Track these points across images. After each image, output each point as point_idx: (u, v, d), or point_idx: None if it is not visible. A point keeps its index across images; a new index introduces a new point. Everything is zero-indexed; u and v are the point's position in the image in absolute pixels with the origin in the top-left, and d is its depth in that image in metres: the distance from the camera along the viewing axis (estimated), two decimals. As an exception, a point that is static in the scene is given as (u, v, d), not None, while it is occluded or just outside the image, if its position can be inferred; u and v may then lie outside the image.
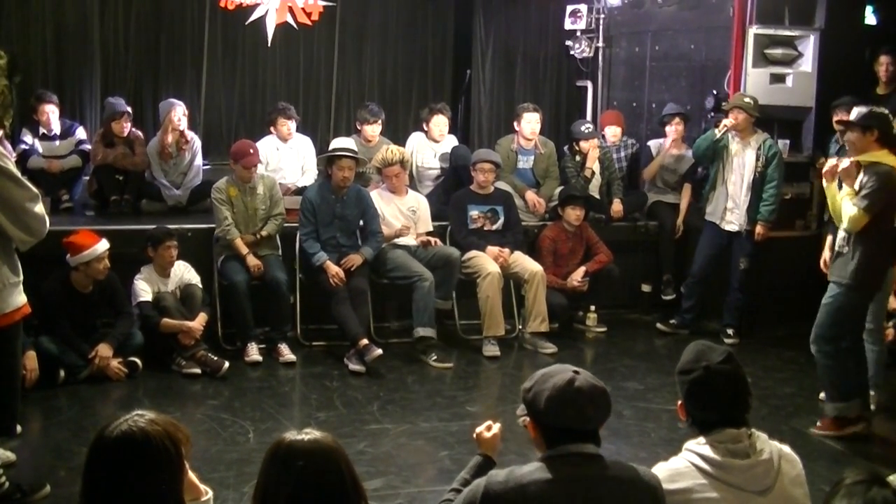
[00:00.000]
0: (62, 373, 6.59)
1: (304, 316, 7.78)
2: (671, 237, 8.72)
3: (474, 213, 8.09)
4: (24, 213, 4.57)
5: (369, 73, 10.95)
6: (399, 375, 7.12)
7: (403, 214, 7.96)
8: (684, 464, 3.03)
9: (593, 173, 8.75)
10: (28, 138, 8.44)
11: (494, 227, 8.12)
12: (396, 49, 11.03)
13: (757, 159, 7.83)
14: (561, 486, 2.77)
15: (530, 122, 8.70)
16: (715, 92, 8.65)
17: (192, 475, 2.56)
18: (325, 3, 10.16)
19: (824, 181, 6.02)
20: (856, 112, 5.98)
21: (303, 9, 10.03)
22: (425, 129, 8.93)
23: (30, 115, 8.38)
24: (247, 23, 10.00)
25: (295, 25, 10.07)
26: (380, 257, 7.69)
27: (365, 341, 7.14)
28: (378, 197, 7.93)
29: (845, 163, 5.88)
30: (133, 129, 8.59)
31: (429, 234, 8.04)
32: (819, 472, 5.21)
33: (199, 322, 7.03)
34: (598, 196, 8.81)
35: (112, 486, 2.38)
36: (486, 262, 7.81)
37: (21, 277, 4.76)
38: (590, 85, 10.54)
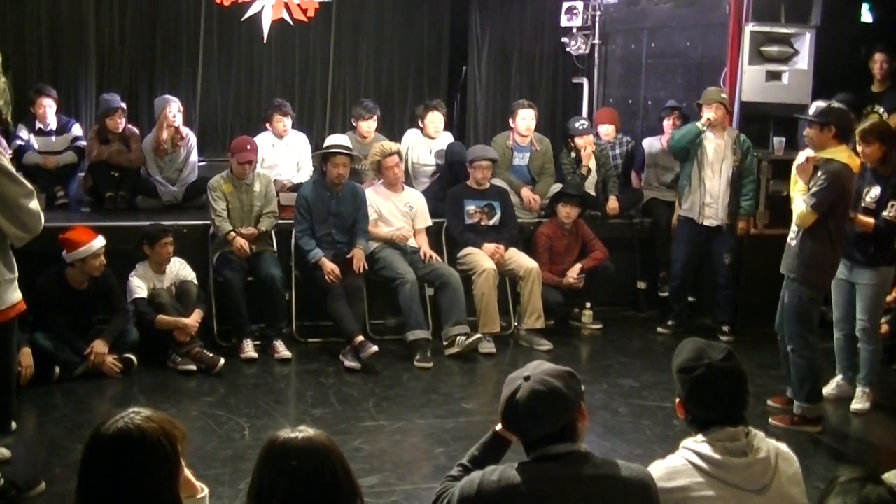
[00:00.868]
0: (57, 369, 6.58)
1: (300, 312, 7.77)
2: (667, 234, 8.71)
3: (471, 207, 8.08)
4: (18, 209, 4.56)
5: (365, 69, 10.97)
6: (394, 372, 7.12)
7: (400, 211, 7.95)
8: (681, 462, 3.03)
9: (589, 170, 8.75)
10: (24, 133, 8.41)
11: (491, 222, 8.11)
12: (392, 45, 11.04)
13: (734, 154, 7.87)
14: (549, 484, 2.77)
15: (525, 119, 8.70)
16: (711, 90, 8.65)
17: (187, 472, 2.55)
18: (320, 0, 10.15)
19: (794, 172, 6.08)
20: (814, 108, 6.06)
21: (298, 5, 10.02)
22: (420, 125, 8.93)
23: (26, 108, 8.35)
24: (242, 19, 9.99)
25: (291, 22, 10.06)
26: (372, 255, 7.70)
27: (360, 338, 7.14)
28: (374, 194, 7.92)
29: (801, 158, 5.98)
30: (128, 126, 8.58)
31: (427, 229, 8.05)
32: (816, 470, 5.23)
33: (194, 319, 7.03)
34: (593, 193, 8.81)
35: (109, 483, 2.37)
36: (482, 258, 7.80)
37: (16, 274, 4.76)
38: (586, 82, 10.54)
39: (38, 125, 8.51)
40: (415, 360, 7.31)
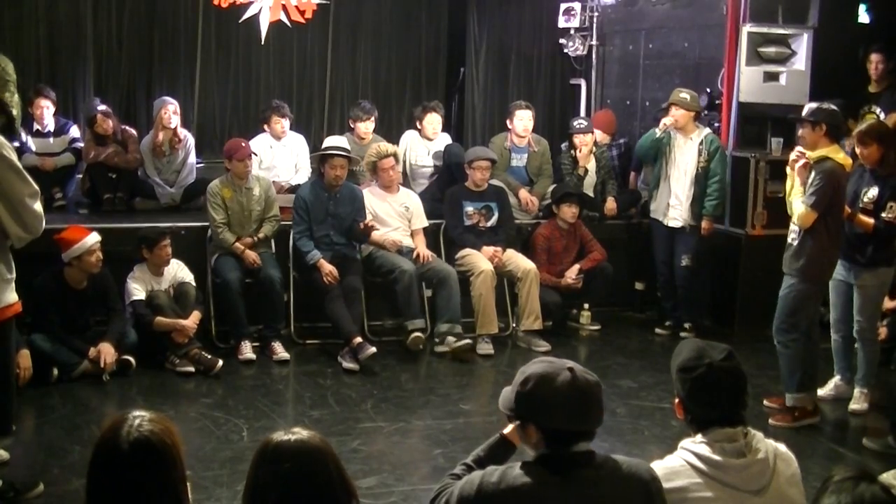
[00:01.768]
0: (55, 371, 6.58)
1: (298, 314, 7.77)
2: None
3: (469, 209, 8.09)
4: (23, 208, 4.56)
5: (363, 70, 10.97)
6: (393, 373, 7.12)
7: (396, 212, 7.96)
8: (680, 462, 3.03)
9: (586, 171, 8.76)
10: (21, 135, 8.40)
11: (489, 223, 8.12)
12: (390, 47, 11.04)
13: (699, 154, 7.88)
14: (553, 486, 2.75)
15: (522, 120, 8.71)
16: (709, 90, 8.66)
17: None
18: (318, 1, 10.12)
19: (789, 170, 6.18)
20: (806, 108, 6.20)
21: (296, 7, 10.00)
22: (418, 127, 8.93)
23: (24, 110, 8.35)
24: (240, 21, 9.98)
25: (288, 23, 10.05)
26: (368, 256, 7.72)
27: (358, 339, 7.14)
28: (370, 195, 7.92)
29: (793, 155, 6.11)
30: (126, 128, 8.59)
31: (424, 230, 8.05)
32: (814, 470, 5.22)
33: (192, 320, 7.03)
34: (592, 194, 8.81)
35: (126, 494, 2.39)
36: (480, 259, 7.81)
37: (14, 275, 4.75)
38: (583, 83, 10.56)
39: (36, 127, 8.52)
40: (409, 339, 7.42)
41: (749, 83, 8.21)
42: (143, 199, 8.56)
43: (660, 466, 3.04)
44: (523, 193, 8.63)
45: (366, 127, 8.74)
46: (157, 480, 2.40)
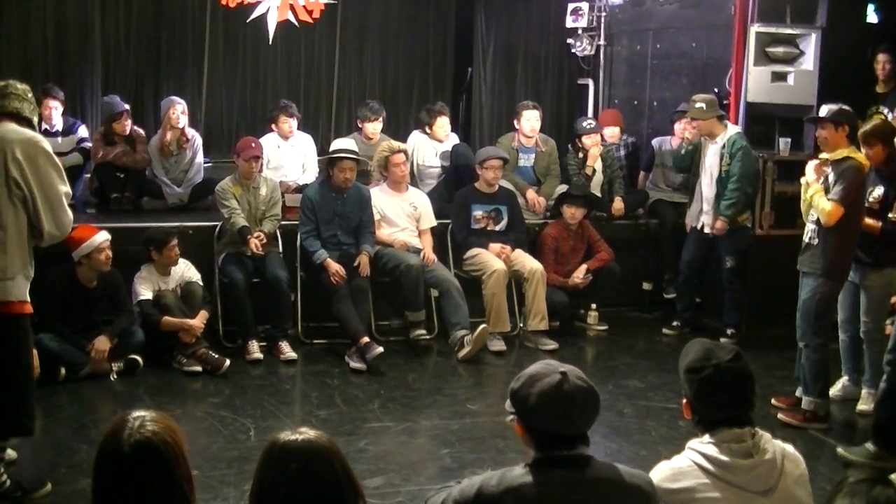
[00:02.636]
0: (63, 370, 6.58)
1: (305, 314, 7.77)
2: (672, 235, 8.70)
3: (478, 213, 8.08)
4: (60, 206, 4.65)
5: (370, 70, 10.97)
6: (400, 373, 7.12)
7: (405, 211, 7.96)
8: (687, 463, 3.03)
9: (594, 171, 8.75)
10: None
11: (498, 227, 8.11)
12: (397, 47, 11.04)
13: (721, 158, 7.81)
14: (551, 489, 2.75)
15: (530, 120, 8.70)
16: (717, 90, 8.62)
17: None
18: (326, 1, 10.16)
19: (808, 177, 6.18)
20: (826, 109, 6.23)
21: (304, 6, 10.02)
22: (429, 131, 8.91)
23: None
24: (248, 20, 10.00)
25: (296, 23, 10.07)
26: (376, 254, 7.71)
27: (366, 339, 7.14)
28: (379, 194, 7.93)
29: (810, 167, 6.17)
30: (134, 127, 8.59)
31: (431, 230, 8.05)
32: (821, 471, 5.22)
33: (199, 320, 7.03)
34: (599, 194, 8.80)
35: (134, 496, 2.39)
36: (491, 259, 7.82)
37: (32, 275, 4.80)
38: (591, 83, 10.55)
39: (44, 126, 8.51)
40: (412, 335, 7.49)
41: (757, 83, 8.19)
42: (151, 199, 8.57)
43: (667, 467, 3.04)
44: (531, 194, 8.62)
45: (373, 127, 8.75)
46: (162, 480, 2.41)
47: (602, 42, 10.33)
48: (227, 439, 5.73)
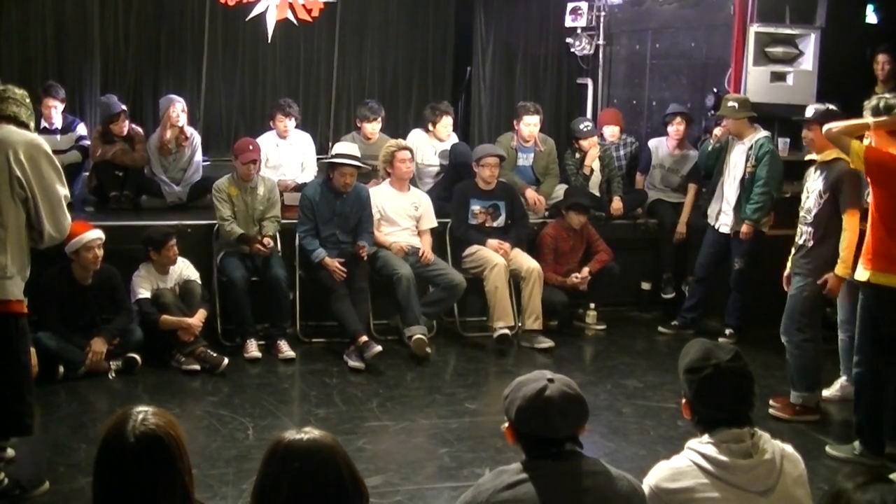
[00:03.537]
0: (61, 369, 6.58)
1: (304, 312, 7.76)
2: (671, 235, 8.69)
3: (476, 207, 8.08)
4: (59, 208, 4.67)
5: (369, 69, 10.98)
6: (398, 372, 7.12)
7: (405, 211, 7.96)
8: (686, 463, 3.03)
9: (592, 171, 8.74)
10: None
11: (495, 223, 8.11)
12: (397, 46, 11.05)
13: (747, 159, 7.75)
14: (545, 479, 2.79)
15: (528, 125, 8.67)
16: (715, 90, 8.61)
17: None
18: (325, 0, 10.15)
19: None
20: (812, 109, 6.20)
21: (303, 5, 10.00)
22: (431, 129, 8.89)
23: (33, 105, 8.35)
24: (247, 19, 9.99)
25: (295, 22, 10.05)
26: (373, 255, 7.70)
27: (364, 338, 7.13)
28: (381, 192, 7.93)
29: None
30: (132, 126, 8.59)
31: (431, 230, 8.05)
32: (820, 471, 5.22)
33: (198, 318, 7.03)
34: (597, 194, 8.80)
35: (136, 489, 2.40)
36: (490, 254, 7.83)
37: (27, 276, 4.80)
38: (590, 82, 10.54)
39: (44, 124, 8.51)
40: (413, 345, 7.36)
41: (756, 83, 8.20)
42: (150, 198, 8.56)
43: (666, 467, 3.05)
44: (530, 193, 8.61)
45: (373, 127, 8.73)
46: (165, 473, 2.43)
47: (601, 41, 10.32)
48: (226, 438, 5.73)
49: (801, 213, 6.30)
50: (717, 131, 7.95)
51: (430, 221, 8.04)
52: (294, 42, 10.62)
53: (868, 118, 5.41)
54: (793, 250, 6.31)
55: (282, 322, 7.47)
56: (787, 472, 3.02)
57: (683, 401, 3.18)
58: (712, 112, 8.52)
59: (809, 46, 8.26)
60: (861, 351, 5.64)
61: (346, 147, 7.80)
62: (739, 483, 2.96)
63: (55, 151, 8.27)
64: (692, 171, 8.79)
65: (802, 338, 6.17)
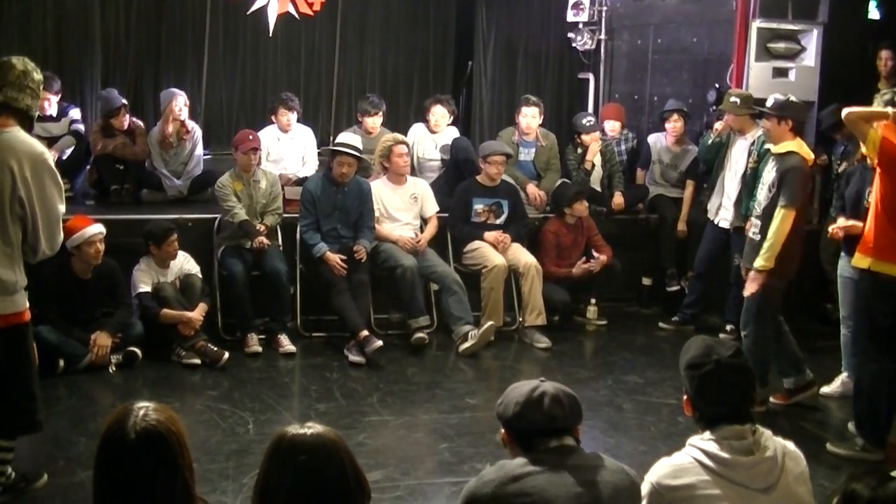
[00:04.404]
0: (61, 362, 6.58)
1: (304, 307, 7.76)
2: (672, 230, 8.67)
3: (479, 206, 8.06)
4: (56, 226, 4.64)
5: (371, 64, 10.95)
6: (399, 367, 7.12)
7: (405, 204, 7.95)
8: (687, 459, 3.02)
9: (593, 166, 8.73)
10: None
11: (498, 220, 8.09)
12: (398, 40, 11.02)
13: (749, 155, 7.72)
14: (553, 475, 2.81)
15: (526, 117, 8.68)
16: (717, 86, 8.62)
17: None
18: (326, -6, 10.15)
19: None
20: (772, 100, 6.20)
21: (304, -1, 10.01)
22: (427, 117, 8.92)
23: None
24: (248, 13, 9.98)
25: (296, 16, 10.05)
26: (375, 248, 7.71)
27: (365, 333, 7.13)
28: (380, 187, 7.92)
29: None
30: (133, 119, 8.58)
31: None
32: (821, 469, 5.21)
33: (198, 312, 7.02)
34: (598, 189, 8.79)
35: (138, 485, 2.40)
36: (491, 253, 7.82)
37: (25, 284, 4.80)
38: (591, 77, 10.51)
39: (37, 113, 8.47)
40: (412, 340, 7.42)
41: (758, 79, 8.18)
42: (151, 191, 8.55)
43: (667, 463, 3.04)
44: (531, 188, 8.61)
45: (373, 121, 8.73)
46: (166, 468, 2.43)
47: (603, 36, 10.30)
48: (226, 432, 5.72)
49: (753, 206, 6.33)
50: (718, 125, 7.92)
51: (433, 207, 8.06)
52: (295, 36, 10.59)
53: (888, 109, 5.43)
54: (745, 245, 6.31)
55: (282, 316, 7.46)
56: (788, 469, 3.01)
57: (684, 397, 3.17)
58: (714, 108, 8.51)
59: (812, 42, 8.25)
60: (859, 343, 5.64)
61: (349, 138, 7.81)
62: (741, 480, 2.95)
63: (50, 139, 8.41)
64: (690, 168, 8.76)
65: (760, 335, 6.16)
